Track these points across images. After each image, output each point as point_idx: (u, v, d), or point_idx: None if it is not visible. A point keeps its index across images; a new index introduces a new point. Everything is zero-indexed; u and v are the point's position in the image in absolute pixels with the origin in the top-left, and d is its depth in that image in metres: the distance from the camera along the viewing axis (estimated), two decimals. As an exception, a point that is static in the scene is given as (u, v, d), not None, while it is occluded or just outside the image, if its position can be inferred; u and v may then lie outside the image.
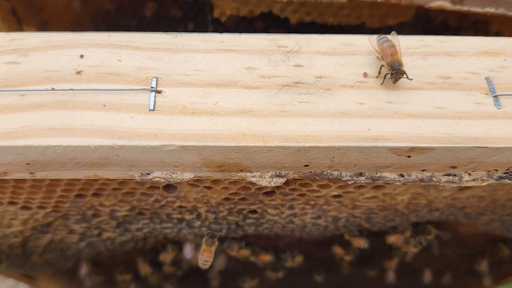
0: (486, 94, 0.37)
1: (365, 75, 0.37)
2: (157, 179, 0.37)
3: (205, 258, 0.50)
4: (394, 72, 0.35)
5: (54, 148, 0.33)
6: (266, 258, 0.59)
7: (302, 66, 0.37)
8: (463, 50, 0.39)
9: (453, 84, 0.37)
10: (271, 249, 0.62)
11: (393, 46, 0.37)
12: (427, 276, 0.77)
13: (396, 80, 0.36)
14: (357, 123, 0.35)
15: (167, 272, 0.67)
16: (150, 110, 0.34)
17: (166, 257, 0.59)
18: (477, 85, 0.37)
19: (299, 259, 0.59)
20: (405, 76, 0.36)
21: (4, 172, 0.36)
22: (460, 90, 0.37)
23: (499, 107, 0.37)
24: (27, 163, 0.35)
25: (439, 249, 0.68)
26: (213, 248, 0.50)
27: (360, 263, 0.70)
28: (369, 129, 0.35)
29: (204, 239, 0.50)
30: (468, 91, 0.37)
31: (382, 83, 0.36)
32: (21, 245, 0.57)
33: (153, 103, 0.35)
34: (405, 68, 0.36)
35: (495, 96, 0.37)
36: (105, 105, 0.34)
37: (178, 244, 0.58)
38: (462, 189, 0.44)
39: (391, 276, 0.74)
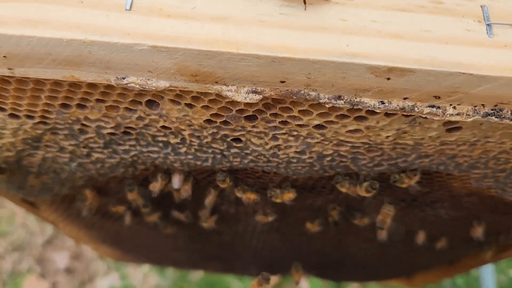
0: (479, 21, 0.35)
1: (352, -8, 0.35)
2: (132, 84, 0.37)
3: None
4: None
5: (28, 39, 0.33)
6: (252, 196, 0.59)
7: (287, -22, 0.35)
8: (461, -24, 0.36)
9: (445, 9, 0.35)
10: (260, 190, 0.62)
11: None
12: (421, 238, 0.75)
13: None
14: (336, 39, 0.34)
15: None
16: (126, 9, 0.34)
17: (155, 186, 0.60)
18: (471, 12, 0.35)
19: (290, 195, 0.58)
20: None
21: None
22: (451, 15, 0.35)
23: (491, 35, 0.35)
24: (4, 56, 0.35)
25: (434, 210, 0.66)
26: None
27: (350, 215, 0.69)
28: (348, 45, 0.33)
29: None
30: (461, 17, 0.35)
31: None
32: (15, 161, 0.58)
33: (130, 2, 0.34)
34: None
35: (488, 25, 0.35)
36: (82, 2, 0.34)
37: (168, 174, 0.59)
38: (450, 130, 0.42)
39: (383, 234, 0.74)
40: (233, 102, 0.40)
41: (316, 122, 0.42)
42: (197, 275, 2.10)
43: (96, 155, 0.54)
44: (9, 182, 0.67)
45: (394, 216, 0.70)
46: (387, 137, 0.44)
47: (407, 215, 0.69)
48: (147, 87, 0.37)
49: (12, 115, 0.47)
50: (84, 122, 0.47)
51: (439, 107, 0.37)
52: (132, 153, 0.53)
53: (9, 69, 0.37)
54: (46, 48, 0.34)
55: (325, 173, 0.53)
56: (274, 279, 2.11)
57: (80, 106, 0.44)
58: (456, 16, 0.35)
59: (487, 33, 0.35)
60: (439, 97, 0.36)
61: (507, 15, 0.36)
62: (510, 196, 0.57)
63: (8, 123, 0.48)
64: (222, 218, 0.78)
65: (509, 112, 0.37)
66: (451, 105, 0.37)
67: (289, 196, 0.58)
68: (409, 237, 0.79)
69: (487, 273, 1.88)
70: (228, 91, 0.37)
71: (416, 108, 0.37)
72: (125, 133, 0.49)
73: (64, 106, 0.45)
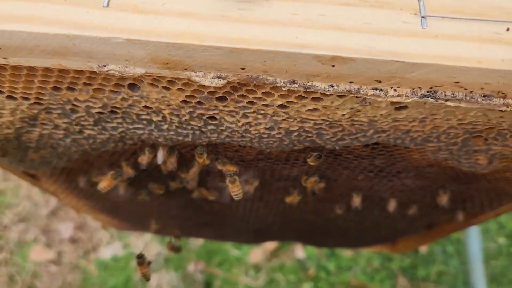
0: (415, 14, 0.40)
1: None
2: (112, 71, 0.42)
3: None
4: None
5: (19, 34, 0.39)
6: (232, 168, 0.65)
7: (245, -24, 0.40)
8: (401, -28, 0.41)
9: (386, 3, 0.40)
10: (239, 162, 0.68)
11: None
12: (392, 205, 0.81)
13: None
14: (287, 31, 0.39)
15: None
16: (104, 6, 0.39)
17: (143, 159, 0.65)
18: (409, 5, 0.40)
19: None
20: None
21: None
22: (391, 9, 0.40)
23: (425, 27, 0.39)
24: (-1, 47, 0.40)
25: (401, 180, 0.72)
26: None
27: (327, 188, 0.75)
28: (297, 37, 0.38)
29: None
30: (399, 10, 0.40)
31: None
32: (15, 137, 0.64)
33: (107, 0, 0.39)
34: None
35: (423, 17, 0.40)
36: (65, 0, 0.39)
37: (154, 148, 0.64)
38: (398, 109, 0.47)
39: (357, 201, 0.80)
40: (204, 85, 0.46)
41: (279, 102, 0.48)
42: (196, 243, 2.19)
43: (87, 131, 0.60)
44: (11, 156, 0.73)
45: (365, 185, 0.76)
46: (343, 115, 0.49)
47: (377, 184, 0.75)
48: (126, 74, 0.42)
49: (10, 97, 0.52)
50: (75, 103, 0.53)
51: (381, 90, 0.42)
52: (119, 130, 0.58)
53: (4, 58, 0.42)
54: (34, 41, 0.39)
55: (295, 147, 0.59)
56: (270, 246, 2.20)
57: (69, 89, 0.50)
58: (395, 9, 0.40)
59: (422, 24, 0.39)
60: (380, 81, 0.41)
61: (442, 8, 0.40)
62: (465, 167, 0.62)
63: (6, 104, 0.54)
64: (211, 188, 0.85)
65: (443, 93, 0.42)
66: (392, 87, 0.42)
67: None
68: (382, 205, 0.85)
69: (474, 240, 1.95)
70: (197, 76, 0.42)
71: (361, 91, 0.42)
72: (112, 112, 0.54)
73: (56, 89, 0.50)
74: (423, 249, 2.17)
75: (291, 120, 0.52)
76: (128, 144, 0.64)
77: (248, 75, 0.42)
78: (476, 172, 0.64)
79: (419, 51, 0.38)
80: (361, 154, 0.62)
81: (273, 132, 0.55)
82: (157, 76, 0.45)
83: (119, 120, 0.56)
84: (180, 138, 0.59)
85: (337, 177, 0.73)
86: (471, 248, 1.98)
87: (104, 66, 0.42)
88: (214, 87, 0.46)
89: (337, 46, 0.38)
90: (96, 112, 0.54)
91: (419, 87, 0.42)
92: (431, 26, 0.39)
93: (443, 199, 0.76)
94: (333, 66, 0.39)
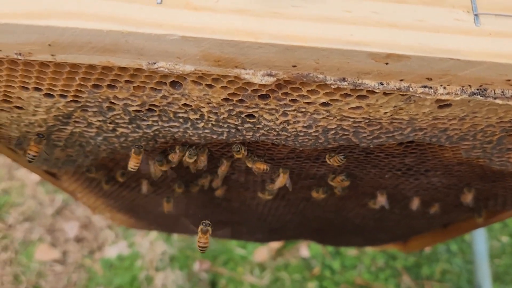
0: (468, 12, 0.40)
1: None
2: (162, 68, 0.42)
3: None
4: None
5: (71, 30, 0.38)
6: (262, 166, 0.65)
7: (298, -27, 0.40)
8: (453, -30, 0.41)
9: (437, 0, 0.40)
10: (269, 161, 0.68)
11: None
12: (415, 204, 0.82)
13: None
14: (342, 29, 0.39)
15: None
16: (157, 3, 0.39)
17: (174, 157, 0.65)
18: (461, 3, 0.40)
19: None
20: None
21: (29, 52, 0.42)
22: (443, 6, 0.40)
23: (478, 25, 0.39)
24: (49, 44, 0.40)
25: (428, 178, 0.72)
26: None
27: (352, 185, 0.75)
28: (351, 35, 0.38)
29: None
30: (451, 8, 0.40)
31: None
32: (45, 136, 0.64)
33: (160, -3, 0.39)
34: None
35: (476, 15, 0.40)
36: (118, -4, 0.39)
37: (186, 146, 0.64)
38: (441, 107, 0.47)
39: (382, 200, 0.80)
40: (249, 83, 0.45)
41: (322, 100, 0.48)
42: (202, 242, 2.18)
43: (121, 130, 0.60)
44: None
45: (390, 184, 0.76)
46: (385, 113, 0.49)
47: (403, 183, 0.75)
48: (175, 71, 0.42)
49: (47, 95, 0.52)
50: (113, 101, 0.52)
51: (431, 87, 0.42)
52: (154, 128, 0.58)
53: (52, 55, 0.42)
54: (87, 37, 0.39)
55: (329, 145, 0.59)
56: (275, 245, 2.20)
57: (110, 86, 0.50)
58: (447, 7, 0.40)
59: (475, 22, 0.40)
60: (431, 79, 0.41)
61: (494, 5, 0.40)
62: (496, 165, 0.63)
63: (42, 101, 0.53)
64: (232, 187, 0.84)
65: (492, 91, 0.42)
66: (441, 85, 0.42)
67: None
68: (404, 203, 0.85)
69: (480, 239, 1.96)
70: (246, 74, 0.42)
71: (411, 88, 0.42)
72: (149, 110, 0.54)
73: (96, 86, 0.50)
74: (427, 248, 2.18)
75: (331, 118, 0.51)
76: (159, 143, 0.63)
77: (298, 73, 0.42)
78: (506, 170, 0.64)
79: (473, 49, 0.38)
80: (393, 153, 0.63)
81: (310, 130, 0.55)
82: (203, 74, 0.45)
83: (155, 118, 0.56)
84: (215, 136, 0.59)
85: (364, 175, 0.73)
86: (477, 247, 1.98)
87: (154, 63, 0.42)
88: (259, 85, 0.46)
89: (391, 44, 0.38)
90: (133, 110, 0.54)
91: (469, 85, 0.42)
92: (484, 24, 0.40)
93: (468, 197, 0.77)
94: (386, 63, 0.39)
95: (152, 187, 0.86)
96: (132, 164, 0.65)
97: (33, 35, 0.39)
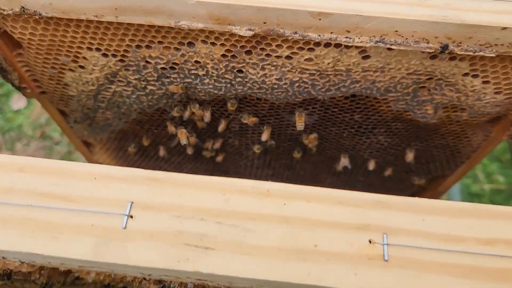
0: (369, -10, 0.66)
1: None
2: (184, 25, 0.68)
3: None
4: None
5: (131, -2, 0.65)
6: (254, 119, 0.89)
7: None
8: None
9: (351, -16, 0.66)
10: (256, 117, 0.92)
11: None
12: (371, 165, 1.05)
13: None
14: (292, -2, 0.65)
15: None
16: (182, -17, 0.65)
17: (187, 114, 0.90)
18: (366, -14, 0.66)
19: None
20: None
21: (102, 15, 0.68)
22: (354, -13, 0.66)
23: (375, -3, 0.65)
24: (116, 8, 0.66)
25: (375, 136, 0.96)
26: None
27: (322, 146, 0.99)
28: (300, 0, 0.64)
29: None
30: (359, -12, 0.66)
31: None
32: (93, 96, 0.89)
33: (184, -20, 0.65)
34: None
35: (374, -8, 0.66)
36: (159, -21, 0.65)
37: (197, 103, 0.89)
38: (364, 58, 0.73)
39: (345, 161, 1.03)
40: (238, 40, 0.71)
41: (286, 54, 0.73)
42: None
43: (150, 87, 0.85)
44: (84, 117, 0.98)
45: (349, 145, 1.00)
46: (328, 63, 0.74)
47: (358, 143, 0.99)
48: (192, 27, 0.68)
49: (104, 54, 0.78)
50: (148, 60, 0.78)
51: (350, 38, 0.68)
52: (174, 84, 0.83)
53: (116, 17, 0.68)
54: (139, 3, 0.65)
55: (296, 99, 0.84)
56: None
57: (147, 47, 0.75)
58: (357, -12, 0.66)
59: (373, -4, 0.66)
60: (349, 31, 0.67)
61: (386, -12, 0.67)
62: (419, 117, 0.87)
63: (99, 60, 0.79)
64: (229, 154, 1.08)
65: (389, 40, 0.68)
66: (357, 36, 0.67)
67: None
68: (365, 168, 1.09)
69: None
70: (235, 29, 0.68)
71: (337, 38, 0.68)
72: (171, 68, 0.80)
73: (138, 47, 0.76)
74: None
75: (294, 70, 0.77)
76: (176, 101, 0.88)
77: (268, 28, 0.67)
78: (428, 123, 0.88)
79: (371, 9, 0.64)
80: (344, 107, 0.87)
81: (281, 83, 0.80)
82: (208, 33, 0.70)
83: (175, 75, 0.81)
84: (216, 91, 0.84)
85: (327, 135, 0.97)
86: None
87: (179, 22, 0.68)
88: (245, 41, 0.71)
89: (322, 6, 0.64)
90: (160, 68, 0.80)
91: (373, 36, 0.67)
92: (379, -3, 0.66)
93: (409, 157, 1.00)
94: (320, 19, 0.65)
95: (167, 153, 1.10)
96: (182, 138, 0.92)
97: (106, 1, 0.65)
